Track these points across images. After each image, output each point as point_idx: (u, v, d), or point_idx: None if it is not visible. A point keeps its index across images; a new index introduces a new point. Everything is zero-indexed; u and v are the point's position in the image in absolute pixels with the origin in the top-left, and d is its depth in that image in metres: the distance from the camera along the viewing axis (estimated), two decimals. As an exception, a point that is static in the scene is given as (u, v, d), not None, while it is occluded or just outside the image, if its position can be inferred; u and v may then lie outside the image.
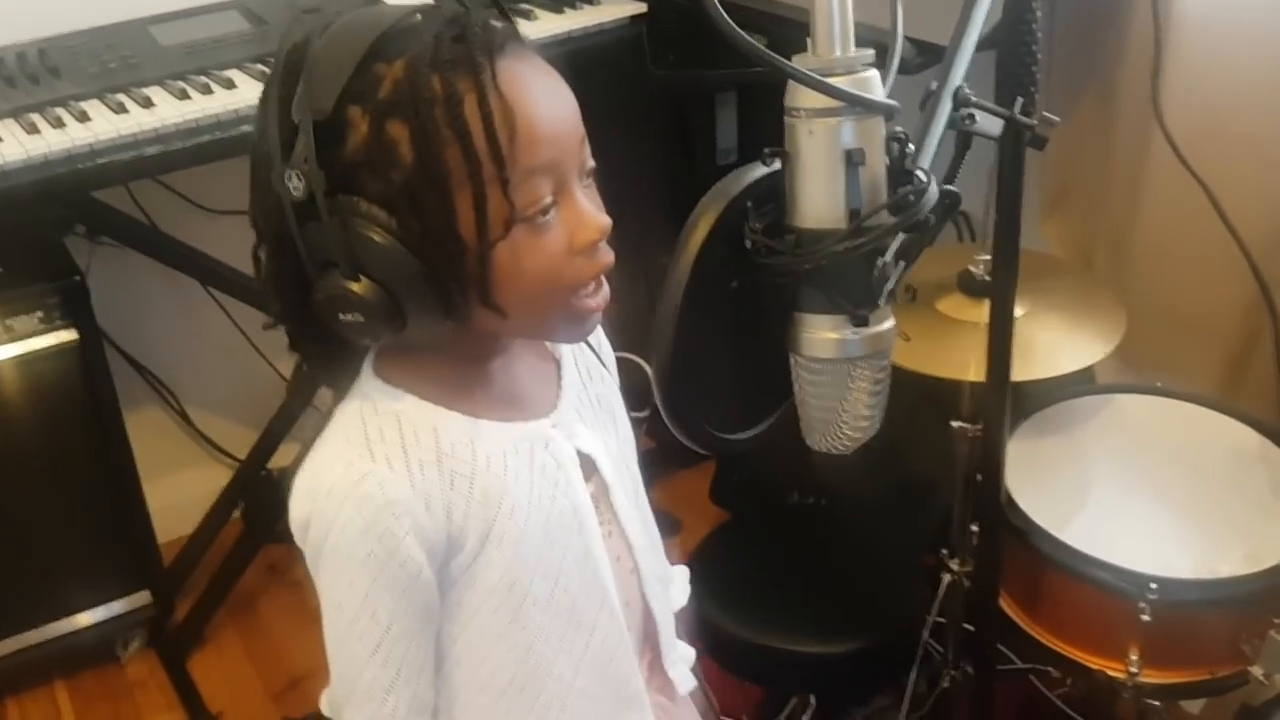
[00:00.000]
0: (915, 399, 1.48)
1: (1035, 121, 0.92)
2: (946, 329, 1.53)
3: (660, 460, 2.45)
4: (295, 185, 0.79)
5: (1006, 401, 1.34)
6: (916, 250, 0.80)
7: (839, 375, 0.75)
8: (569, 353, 0.99)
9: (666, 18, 2.04)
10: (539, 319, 0.87)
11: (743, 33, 0.69)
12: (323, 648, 2.27)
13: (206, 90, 1.81)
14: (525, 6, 2.07)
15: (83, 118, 1.74)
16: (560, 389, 0.96)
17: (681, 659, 1.09)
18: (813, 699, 1.70)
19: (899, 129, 0.78)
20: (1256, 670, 1.35)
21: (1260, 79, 1.60)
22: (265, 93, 0.83)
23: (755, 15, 1.76)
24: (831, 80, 0.70)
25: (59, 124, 1.72)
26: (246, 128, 1.79)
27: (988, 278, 1.55)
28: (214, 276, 2.18)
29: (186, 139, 1.76)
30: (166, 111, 1.76)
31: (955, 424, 1.55)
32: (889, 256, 0.73)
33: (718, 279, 0.75)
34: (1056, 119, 0.93)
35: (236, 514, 2.40)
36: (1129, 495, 1.49)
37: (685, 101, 2.30)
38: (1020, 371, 1.37)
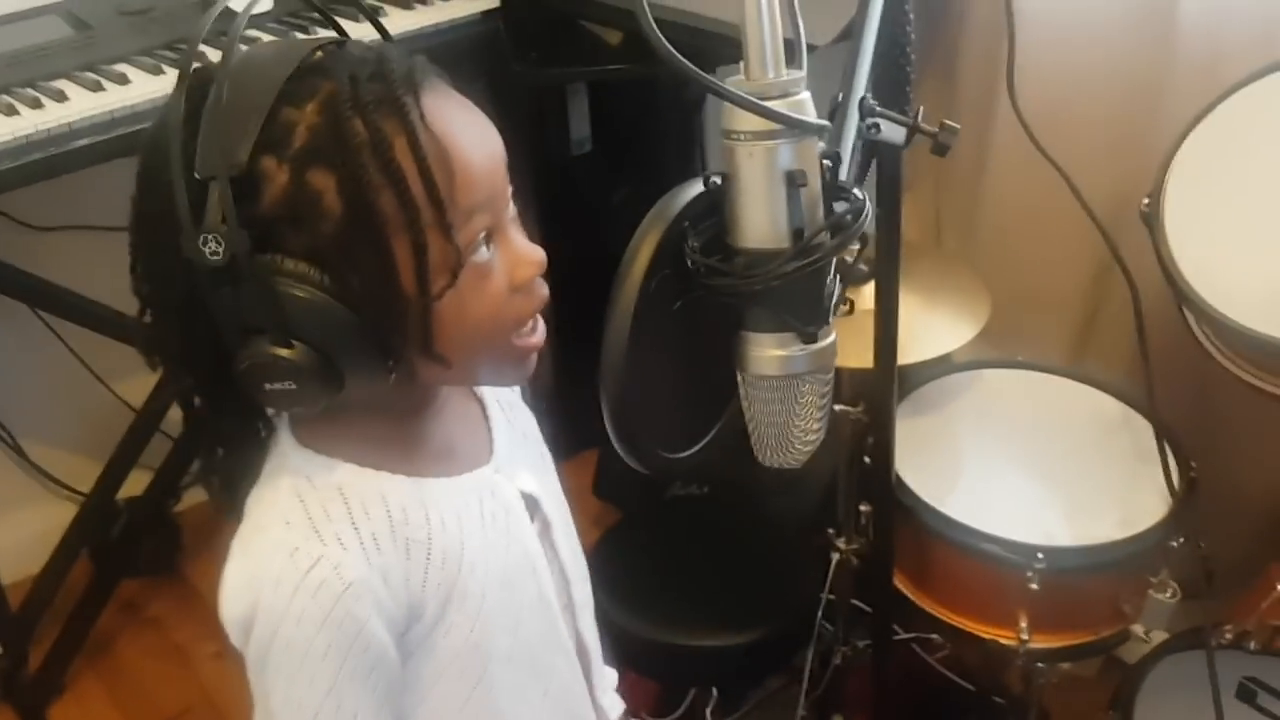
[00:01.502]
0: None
1: (937, 129, 0.94)
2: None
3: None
4: (214, 250, 0.72)
5: (894, 385, 1.38)
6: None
7: (786, 392, 0.75)
8: (489, 392, 0.96)
9: (520, 12, 2.02)
10: (481, 364, 0.84)
11: (681, 58, 0.68)
12: (191, 687, 2.16)
13: (36, 104, 1.70)
14: (374, 4, 2.02)
15: (-109, 140, 1.61)
16: (490, 431, 0.93)
17: (609, 685, 1.09)
18: (714, 690, 1.72)
19: (823, 148, 0.79)
20: (1138, 628, 1.44)
21: (1104, 62, 1.69)
22: (157, 145, 0.75)
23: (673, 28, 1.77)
24: (768, 103, 0.70)
25: None
26: (82, 141, 1.69)
27: (863, 266, 1.59)
28: (43, 299, 2.06)
29: (16, 158, 1.64)
30: (-11, 130, 1.65)
31: (837, 407, 1.59)
32: (832, 274, 0.74)
33: (661, 301, 0.74)
34: (957, 126, 0.96)
35: (85, 552, 2.28)
36: (1005, 467, 1.56)
37: (538, 94, 2.29)
38: (904, 355, 1.41)
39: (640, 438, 0.77)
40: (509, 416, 0.96)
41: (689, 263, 0.75)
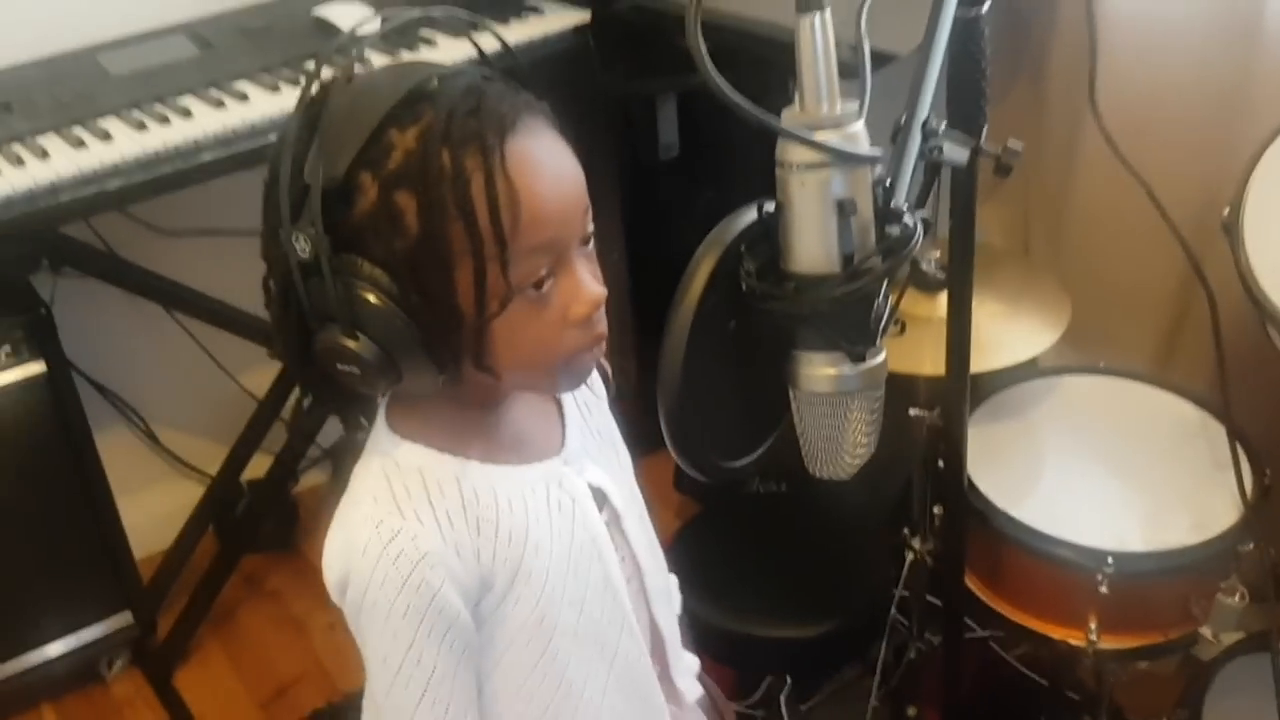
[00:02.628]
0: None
1: (1000, 150, 0.99)
2: (912, 324, 1.61)
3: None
4: (301, 246, 0.82)
5: (966, 392, 1.42)
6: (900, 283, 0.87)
7: (837, 408, 0.81)
8: (580, 403, 1.04)
9: (611, 27, 2.10)
10: (532, 380, 0.92)
11: (734, 92, 0.74)
12: (306, 655, 2.29)
13: (164, 120, 1.83)
14: (474, 19, 2.11)
15: (42, 155, 1.75)
16: (564, 428, 1.01)
17: (687, 669, 1.15)
18: (788, 678, 1.78)
19: (881, 173, 0.85)
20: (1206, 630, 1.45)
21: (1187, 70, 1.70)
22: (281, 143, 0.84)
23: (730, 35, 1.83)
24: (819, 135, 0.76)
25: (19, 162, 1.73)
26: (207, 156, 1.81)
27: (940, 274, 1.64)
28: (175, 300, 2.21)
29: (147, 171, 1.78)
30: (125, 144, 1.77)
31: (913, 412, 1.63)
32: (882, 296, 0.80)
33: (716, 321, 0.81)
34: (1019, 146, 1.00)
35: (211, 529, 2.43)
36: (1080, 472, 1.59)
37: (628, 102, 2.36)
38: (973, 363, 1.45)
39: (695, 447, 0.84)
40: (584, 415, 1.04)
41: (743, 286, 0.81)
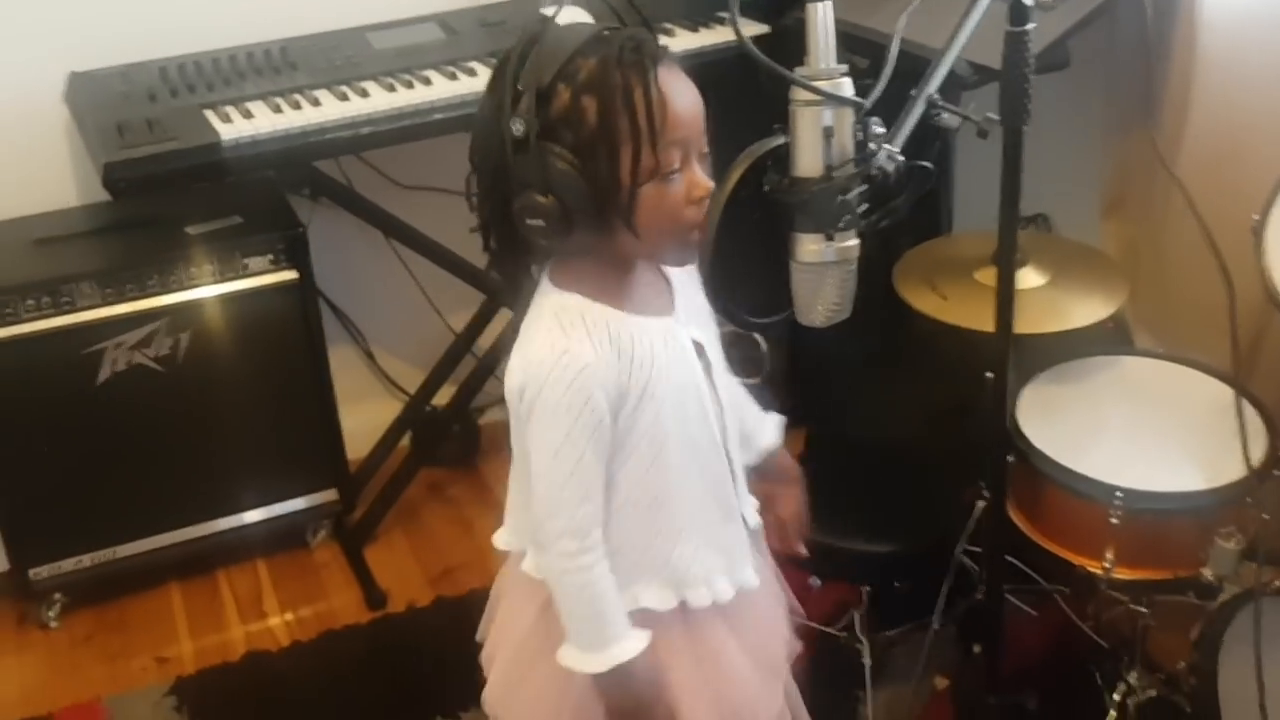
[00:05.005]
0: (957, 353, 1.85)
1: (980, 120, 1.29)
2: (980, 293, 1.90)
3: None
4: (518, 127, 1.15)
5: (1009, 347, 1.69)
6: (895, 202, 1.20)
7: (818, 274, 1.14)
8: (674, 274, 1.36)
9: (786, 38, 2.44)
10: (659, 244, 1.24)
11: (760, 54, 1.09)
12: (471, 547, 2.73)
13: (409, 85, 2.28)
14: (668, 26, 2.50)
15: (315, 103, 2.22)
16: (673, 297, 1.34)
17: (750, 501, 1.46)
18: (864, 593, 2.07)
19: (875, 122, 1.17)
20: (1206, 572, 1.67)
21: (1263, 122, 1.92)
22: (501, 68, 1.18)
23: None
24: (817, 83, 1.10)
25: (297, 106, 2.22)
26: (438, 115, 2.25)
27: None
28: (403, 235, 2.66)
29: (392, 122, 2.23)
30: (378, 100, 2.24)
31: (988, 375, 1.90)
32: (849, 197, 1.13)
33: (746, 210, 1.15)
34: (995, 118, 1.30)
35: (405, 440, 2.88)
36: (1115, 430, 1.83)
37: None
38: (1035, 326, 1.73)
39: (726, 300, 1.18)
40: (688, 294, 1.35)
41: (764, 186, 1.16)
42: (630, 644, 1.28)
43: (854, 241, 1.15)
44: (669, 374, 1.27)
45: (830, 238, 1.13)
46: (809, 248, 1.14)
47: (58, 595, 2.49)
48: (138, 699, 2.30)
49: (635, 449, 1.27)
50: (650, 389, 1.25)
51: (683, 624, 1.36)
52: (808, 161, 1.12)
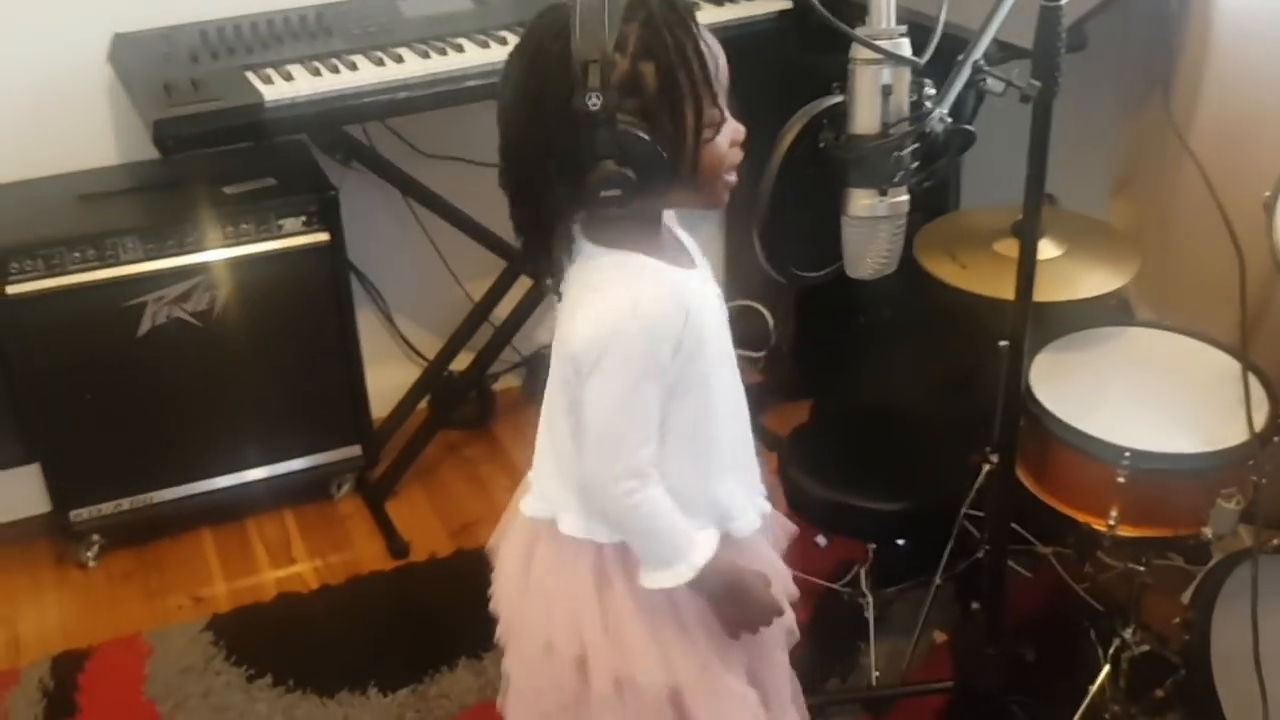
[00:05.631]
0: (973, 321, 1.94)
1: (1024, 85, 1.38)
2: (999, 263, 1.99)
3: (770, 393, 2.97)
4: (594, 102, 1.16)
5: (1028, 313, 1.78)
6: (939, 162, 1.28)
7: (870, 228, 1.23)
8: (688, 240, 1.43)
9: (809, 15, 2.52)
10: (714, 190, 1.30)
11: (826, 12, 1.17)
12: (486, 504, 2.82)
13: (442, 53, 2.34)
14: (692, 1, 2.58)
15: (352, 67, 2.29)
16: (692, 257, 1.41)
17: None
18: (869, 550, 2.17)
19: (928, 84, 1.26)
20: (1207, 530, 1.77)
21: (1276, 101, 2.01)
22: (537, 48, 1.22)
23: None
24: (879, 43, 1.18)
25: (335, 70, 2.28)
26: (472, 82, 2.32)
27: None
28: (430, 201, 2.71)
29: (426, 88, 2.30)
30: (413, 66, 2.30)
31: (1001, 343, 1.99)
32: (904, 153, 1.21)
33: (800, 166, 1.23)
34: (1038, 83, 1.39)
35: (423, 404, 2.95)
36: (1125, 395, 1.92)
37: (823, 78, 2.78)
38: (1050, 294, 1.83)
39: (778, 257, 1.27)
40: (701, 259, 1.44)
41: (820, 143, 1.24)
42: (704, 547, 1.38)
43: (905, 197, 1.23)
44: (711, 322, 1.35)
45: (883, 193, 1.22)
46: (862, 202, 1.23)
47: (96, 537, 2.58)
48: (176, 634, 2.38)
49: (688, 393, 1.34)
50: (703, 336, 1.32)
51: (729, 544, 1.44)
52: (865, 118, 1.21)
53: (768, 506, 1.53)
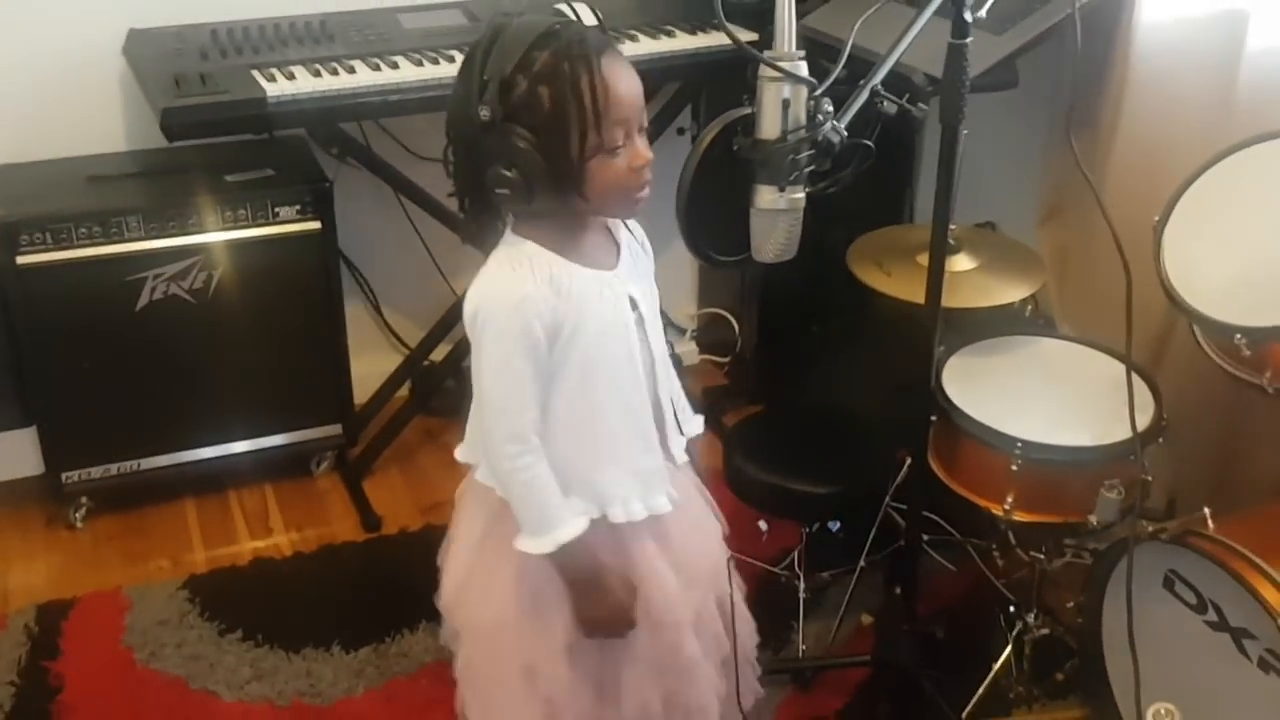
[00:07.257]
0: (901, 327, 2.13)
1: (914, 109, 1.58)
2: (919, 272, 2.17)
3: (735, 396, 3.15)
4: (484, 113, 1.37)
5: (938, 316, 1.97)
6: (844, 172, 1.49)
7: (771, 219, 1.43)
8: (625, 238, 1.60)
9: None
10: (606, 206, 1.48)
11: (736, 35, 1.38)
12: (457, 483, 2.99)
13: (435, 62, 2.55)
14: (669, 28, 2.79)
15: (350, 71, 2.49)
16: (619, 257, 1.58)
17: (678, 441, 1.69)
18: (803, 534, 2.36)
19: (826, 102, 1.46)
20: (1093, 518, 1.96)
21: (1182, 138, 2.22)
22: (470, 58, 1.41)
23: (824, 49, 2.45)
24: (780, 63, 1.39)
25: (334, 72, 2.48)
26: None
27: (953, 241, 2.20)
28: (417, 196, 2.90)
29: (419, 93, 2.50)
30: (407, 72, 2.51)
31: (940, 349, 2.18)
32: (800, 157, 1.41)
33: (716, 167, 1.44)
34: (926, 108, 1.59)
35: (404, 390, 3.13)
36: (1025, 394, 2.11)
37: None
38: (962, 301, 2.02)
39: (698, 240, 1.47)
40: (634, 259, 1.60)
41: (734, 146, 1.44)
42: (570, 527, 1.53)
43: (801, 194, 1.44)
44: (600, 316, 1.51)
45: (782, 189, 1.42)
46: (766, 197, 1.44)
47: (84, 499, 2.76)
48: (155, 590, 2.56)
49: (568, 377, 1.51)
50: (582, 325, 1.49)
51: (609, 533, 1.60)
52: (768, 126, 1.42)
53: (665, 505, 1.62)
